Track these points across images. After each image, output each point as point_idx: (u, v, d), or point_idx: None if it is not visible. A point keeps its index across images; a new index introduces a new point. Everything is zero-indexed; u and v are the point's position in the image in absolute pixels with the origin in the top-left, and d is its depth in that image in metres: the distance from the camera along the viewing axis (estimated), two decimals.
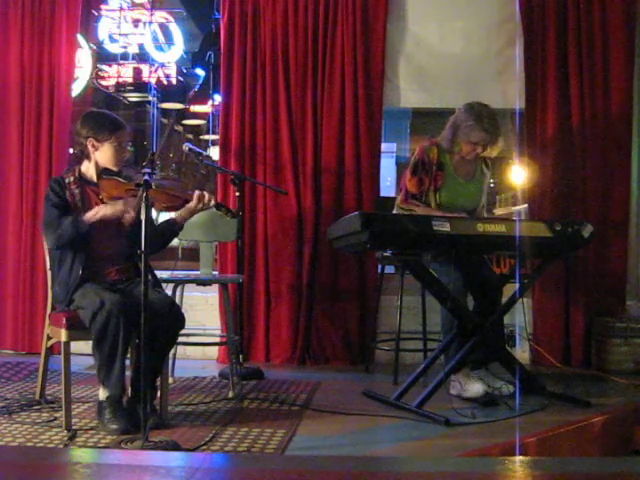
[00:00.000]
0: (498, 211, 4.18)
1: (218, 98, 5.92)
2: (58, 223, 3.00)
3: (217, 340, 4.38)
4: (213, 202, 3.14)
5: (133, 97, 6.96)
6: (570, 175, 4.40)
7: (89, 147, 3.12)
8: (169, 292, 3.60)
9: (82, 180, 3.15)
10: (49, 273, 3.18)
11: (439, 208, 3.59)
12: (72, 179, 3.12)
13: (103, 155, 3.12)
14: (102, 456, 2.58)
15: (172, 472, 2.26)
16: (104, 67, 6.27)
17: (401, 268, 3.93)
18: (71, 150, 4.54)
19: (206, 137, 8.15)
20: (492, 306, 3.50)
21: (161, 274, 3.53)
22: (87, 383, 3.68)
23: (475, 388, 3.42)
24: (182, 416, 3.13)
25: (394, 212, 3.73)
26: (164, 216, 3.73)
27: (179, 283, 3.78)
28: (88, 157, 3.15)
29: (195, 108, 7.65)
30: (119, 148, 3.13)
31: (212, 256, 4.18)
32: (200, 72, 6.83)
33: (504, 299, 3.56)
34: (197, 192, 3.09)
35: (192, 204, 3.09)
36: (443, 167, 3.61)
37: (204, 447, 2.68)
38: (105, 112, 3.29)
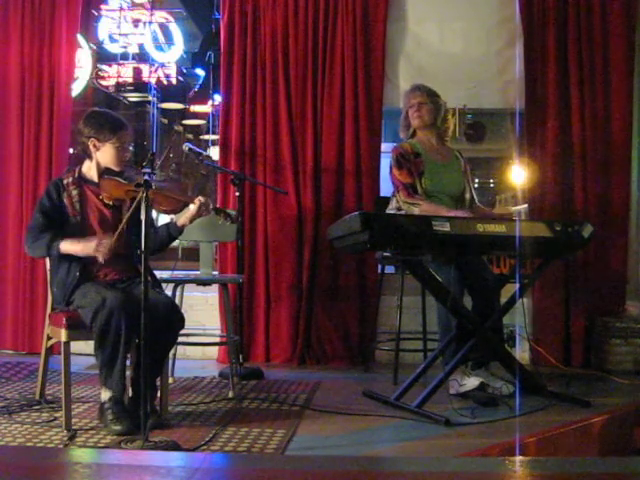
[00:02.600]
0: (498, 211, 4.19)
1: (218, 98, 5.93)
2: (36, 237, 3.03)
3: (217, 340, 4.38)
4: (212, 208, 3.12)
5: (133, 97, 6.97)
6: (570, 175, 4.40)
7: (91, 147, 3.12)
8: (169, 292, 3.60)
9: (82, 180, 3.15)
10: (49, 274, 3.18)
11: (426, 194, 3.65)
12: (71, 179, 3.12)
13: (105, 155, 3.12)
14: (102, 456, 2.58)
15: (172, 472, 2.26)
16: (104, 67, 6.28)
17: (401, 268, 3.93)
18: (71, 150, 4.55)
19: (206, 137, 8.16)
20: (491, 307, 3.50)
21: (161, 274, 3.53)
22: (87, 383, 3.68)
23: (471, 382, 3.44)
24: (182, 416, 3.13)
25: (391, 210, 3.74)
26: (163, 217, 3.73)
27: (179, 283, 3.78)
28: (90, 157, 3.15)
29: (195, 108, 7.66)
30: (121, 148, 3.13)
31: (212, 256, 4.18)
32: (200, 72, 6.84)
33: (504, 299, 3.56)
34: (198, 198, 3.07)
35: (193, 210, 3.07)
36: (419, 155, 3.73)
37: (204, 447, 2.68)
38: (107, 112, 3.28)
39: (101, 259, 2.98)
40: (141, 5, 6.27)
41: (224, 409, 3.27)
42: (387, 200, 4.13)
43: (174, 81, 6.59)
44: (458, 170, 3.84)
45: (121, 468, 2.33)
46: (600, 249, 4.33)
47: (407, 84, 4.57)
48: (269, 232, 4.48)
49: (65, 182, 3.12)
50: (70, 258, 3.03)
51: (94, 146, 3.11)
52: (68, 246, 3.00)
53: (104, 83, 6.40)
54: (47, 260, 3.19)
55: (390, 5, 4.51)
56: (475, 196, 3.87)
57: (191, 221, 3.14)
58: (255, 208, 4.48)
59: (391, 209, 3.75)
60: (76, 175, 3.15)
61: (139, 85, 6.62)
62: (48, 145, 4.51)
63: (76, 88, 4.95)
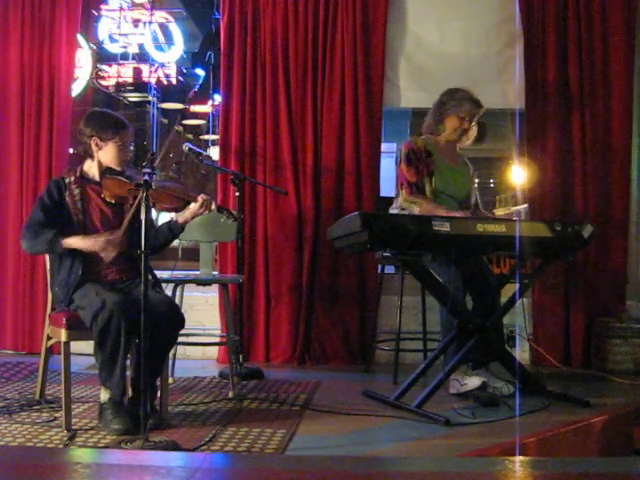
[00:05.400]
0: (498, 211, 4.18)
1: (218, 98, 5.93)
2: (37, 232, 3.02)
3: (217, 340, 4.37)
4: (215, 206, 3.13)
5: (133, 97, 6.97)
6: (570, 175, 4.40)
7: (92, 146, 3.12)
8: (169, 292, 3.60)
9: (83, 179, 3.15)
10: (49, 273, 3.18)
11: (434, 194, 3.65)
12: (72, 179, 3.13)
13: (106, 154, 3.13)
14: (102, 456, 2.58)
15: (172, 472, 2.26)
16: (104, 67, 6.28)
17: (401, 268, 3.93)
18: (71, 150, 4.55)
19: (206, 137, 8.17)
20: (491, 306, 3.50)
21: (161, 274, 3.53)
22: (87, 383, 3.68)
23: (473, 381, 3.44)
24: (182, 416, 3.13)
25: (395, 209, 3.74)
26: (164, 216, 3.73)
27: (179, 283, 3.77)
28: (91, 156, 3.16)
29: (195, 108, 7.66)
30: (122, 148, 3.14)
31: (212, 256, 4.18)
32: (200, 72, 6.84)
33: (504, 299, 3.56)
34: (201, 196, 3.09)
35: (195, 207, 3.09)
36: (431, 154, 3.71)
37: (204, 447, 2.68)
38: (109, 112, 3.29)
39: (109, 257, 2.99)
40: (141, 5, 6.26)
41: (224, 409, 3.27)
42: (387, 200, 4.14)
43: (174, 81, 6.59)
44: (467, 175, 3.85)
45: (121, 468, 2.33)
46: (600, 249, 4.33)
47: (407, 84, 4.60)
48: (269, 232, 4.48)
49: (67, 181, 3.12)
50: (72, 257, 3.03)
51: (96, 145, 3.12)
52: (74, 241, 2.99)
53: (104, 83, 6.40)
54: (47, 260, 3.19)
55: (390, 5, 4.51)
56: (480, 202, 3.88)
57: (193, 217, 3.15)
58: (255, 208, 4.48)
59: (394, 208, 3.75)
60: (77, 174, 3.15)
61: (139, 85, 6.63)
62: (48, 145, 4.50)
63: (76, 88, 4.94)
